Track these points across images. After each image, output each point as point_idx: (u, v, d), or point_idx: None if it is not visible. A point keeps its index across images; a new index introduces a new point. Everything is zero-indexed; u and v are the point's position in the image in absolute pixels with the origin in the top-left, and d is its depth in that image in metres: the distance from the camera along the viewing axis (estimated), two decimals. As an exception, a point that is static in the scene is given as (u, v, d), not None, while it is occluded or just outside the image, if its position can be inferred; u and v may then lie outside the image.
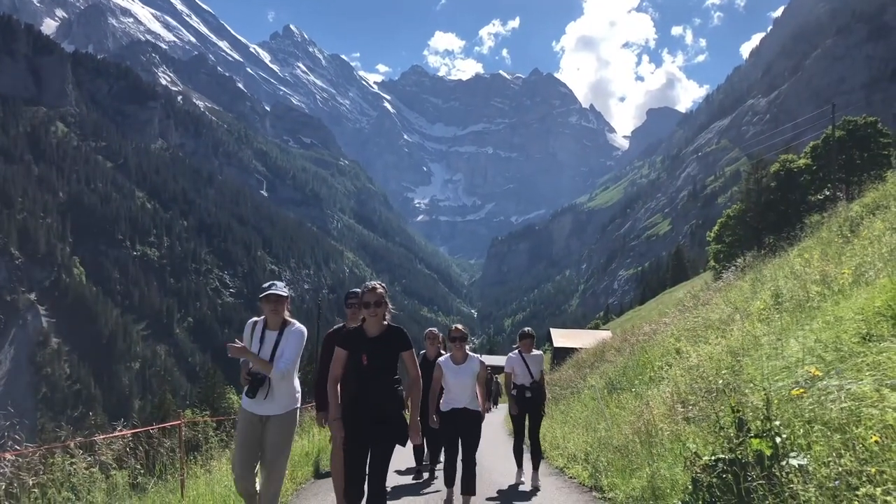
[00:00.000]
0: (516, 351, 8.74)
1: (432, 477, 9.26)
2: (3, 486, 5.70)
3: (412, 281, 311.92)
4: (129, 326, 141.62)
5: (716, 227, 46.20)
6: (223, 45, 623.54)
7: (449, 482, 6.74)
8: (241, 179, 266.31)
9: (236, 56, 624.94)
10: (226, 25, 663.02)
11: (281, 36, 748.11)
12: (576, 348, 31.57)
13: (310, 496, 7.96)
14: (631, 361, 15.41)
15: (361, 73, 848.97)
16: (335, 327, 6.43)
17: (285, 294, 5.18)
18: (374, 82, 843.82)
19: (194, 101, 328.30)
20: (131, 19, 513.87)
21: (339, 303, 6.69)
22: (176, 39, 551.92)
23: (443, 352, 8.64)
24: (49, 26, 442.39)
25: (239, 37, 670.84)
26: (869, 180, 18.67)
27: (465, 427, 6.70)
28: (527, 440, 8.77)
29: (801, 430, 4.08)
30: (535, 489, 8.11)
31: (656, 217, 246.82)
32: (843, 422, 3.85)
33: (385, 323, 4.77)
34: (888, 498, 3.06)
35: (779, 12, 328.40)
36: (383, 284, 4.83)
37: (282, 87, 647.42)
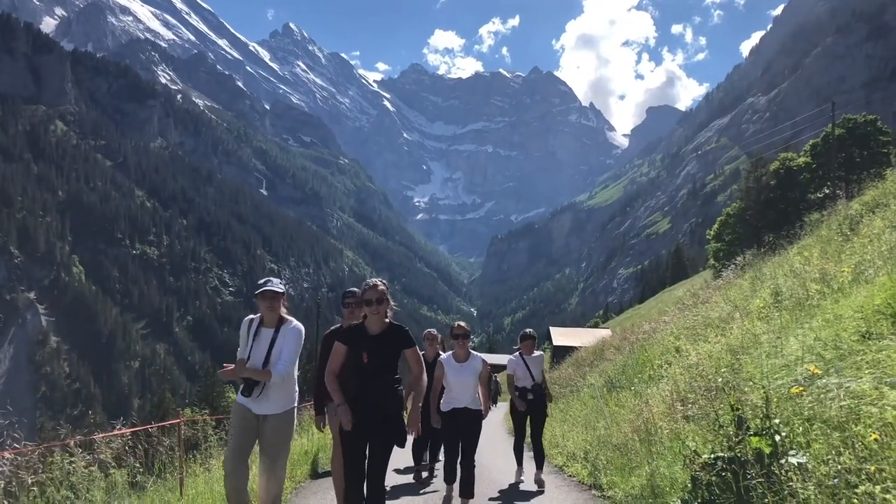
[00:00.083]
0: (517, 353, 8.70)
1: (432, 475, 9.24)
2: (3, 485, 5.70)
3: (412, 279, 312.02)
4: (128, 325, 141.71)
5: (715, 226, 46.23)
6: (222, 43, 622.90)
7: (448, 480, 6.64)
8: (241, 178, 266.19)
9: (236, 54, 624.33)
10: (225, 24, 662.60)
11: (280, 34, 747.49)
12: (575, 347, 31.59)
13: (309, 495, 7.96)
14: (630, 360, 15.41)
15: (361, 71, 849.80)
16: (333, 327, 6.37)
17: (281, 290, 5.09)
18: (374, 81, 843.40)
19: (194, 99, 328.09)
20: (130, 17, 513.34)
21: (339, 301, 6.61)
22: (175, 38, 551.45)
23: (441, 353, 8.61)
24: (48, 25, 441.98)
25: (238, 35, 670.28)
26: (868, 178, 18.67)
27: (466, 427, 6.58)
28: (528, 440, 8.75)
29: (801, 429, 4.08)
30: (540, 486, 8.05)
31: (656, 215, 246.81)
32: (842, 420, 3.84)
33: (387, 321, 4.69)
34: (887, 496, 3.06)
35: (779, 10, 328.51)
36: (384, 282, 4.76)
37: (281, 86, 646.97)
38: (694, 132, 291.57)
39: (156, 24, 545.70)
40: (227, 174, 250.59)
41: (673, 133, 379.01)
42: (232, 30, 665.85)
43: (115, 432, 7.27)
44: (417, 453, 9.24)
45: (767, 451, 3.87)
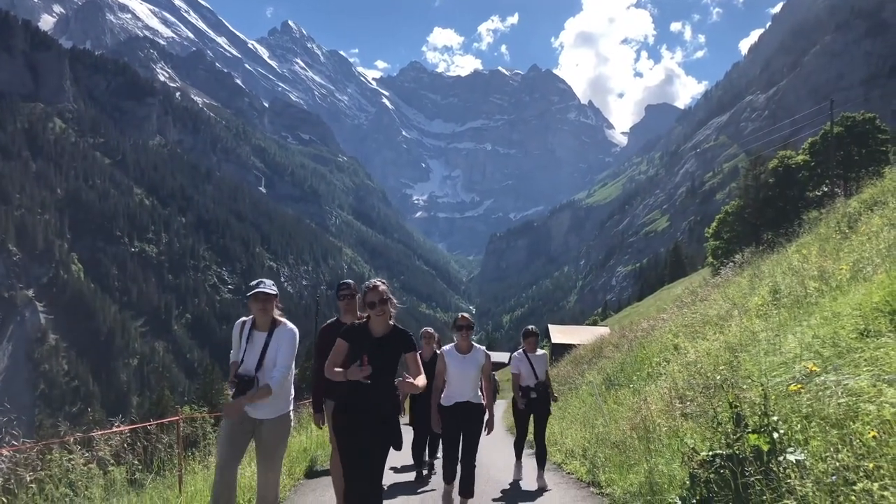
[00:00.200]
0: (521, 350, 8.50)
1: (431, 471, 9.21)
2: (1, 482, 5.70)
3: (411, 277, 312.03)
4: (127, 323, 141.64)
5: (714, 224, 46.13)
6: (221, 41, 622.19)
7: (448, 478, 6.40)
8: (240, 176, 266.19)
9: (234, 52, 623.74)
10: (224, 21, 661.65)
11: (279, 32, 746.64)
12: (574, 345, 31.56)
13: (308, 492, 7.96)
14: (629, 357, 15.42)
15: (360, 69, 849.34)
16: (330, 321, 6.31)
17: (274, 292, 4.98)
18: (373, 78, 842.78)
19: (192, 97, 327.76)
20: (129, 15, 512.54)
21: (338, 310, 6.53)
22: (174, 35, 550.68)
23: (438, 352, 8.54)
24: (46, 22, 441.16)
25: (237, 33, 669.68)
26: (867, 176, 18.72)
27: (468, 423, 6.30)
28: (530, 440, 8.66)
29: (799, 426, 4.08)
30: (542, 489, 7.92)
31: (654, 213, 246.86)
32: (840, 417, 3.85)
33: (391, 323, 4.57)
34: (885, 493, 3.07)
35: (777, 8, 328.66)
36: (384, 281, 4.63)
37: (280, 84, 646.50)
38: (693, 130, 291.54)
39: (154, 22, 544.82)
40: (225, 172, 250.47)
41: (672, 131, 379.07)
42: (231, 27, 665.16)
43: (114, 430, 7.27)
44: (417, 452, 9.15)
45: (766, 448, 3.88)
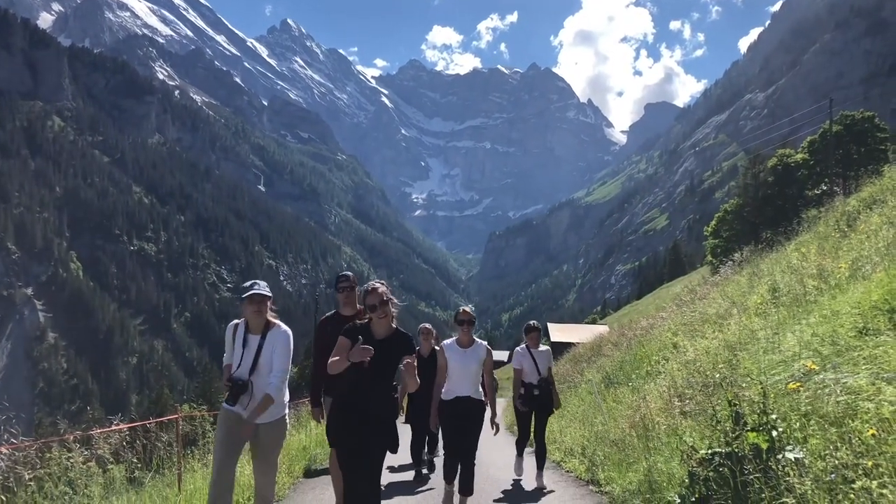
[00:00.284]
0: (524, 346, 8.30)
1: (431, 468, 9.13)
2: (0, 481, 5.69)
3: (410, 276, 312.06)
4: (126, 321, 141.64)
5: (713, 222, 46.17)
6: (220, 39, 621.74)
7: (449, 478, 6.30)
8: (239, 174, 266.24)
9: (233, 50, 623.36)
10: (223, 20, 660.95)
11: (278, 30, 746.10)
12: (573, 343, 31.58)
13: (307, 490, 7.96)
14: (628, 356, 15.42)
15: (359, 67, 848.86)
16: (328, 314, 6.25)
17: (269, 294, 4.84)
18: (372, 77, 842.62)
19: (191, 95, 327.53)
20: (128, 13, 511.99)
21: (337, 303, 6.45)
22: (173, 33, 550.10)
23: (437, 348, 8.48)
24: (45, 20, 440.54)
25: (236, 31, 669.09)
26: (866, 175, 18.72)
27: (468, 419, 6.19)
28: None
29: (798, 424, 4.09)
30: (541, 489, 7.84)
31: (654, 212, 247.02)
32: (839, 415, 3.85)
33: (393, 326, 4.48)
34: (884, 491, 3.07)
35: (777, 7, 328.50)
36: (383, 282, 4.52)
37: (279, 82, 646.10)
38: (692, 129, 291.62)
39: (153, 20, 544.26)
40: (224, 170, 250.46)
41: (671, 130, 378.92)
42: (230, 26, 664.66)
43: (113, 428, 7.27)
44: (416, 451, 9.05)
45: (765, 446, 3.88)
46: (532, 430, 8.49)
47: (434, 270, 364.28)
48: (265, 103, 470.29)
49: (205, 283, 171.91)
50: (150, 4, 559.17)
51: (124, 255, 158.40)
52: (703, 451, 4.41)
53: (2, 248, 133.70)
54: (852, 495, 3.18)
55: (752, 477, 3.82)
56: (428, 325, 9.28)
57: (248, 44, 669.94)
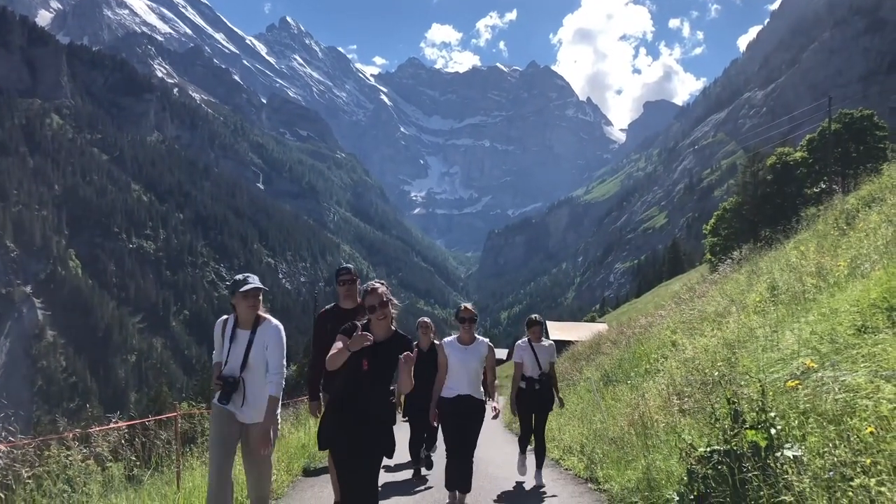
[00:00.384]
0: (525, 339, 8.14)
1: (429, 465, 9.03)
2: (-1, 478, 5.69)
3: (409, 274, 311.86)
4: (124, 319, 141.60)
5: (712, 220, 46.15)
6: (219, 37, 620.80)
7: (451, 484, 6.16)
8: (238, 172, 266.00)
9: (232, 48, 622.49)
10: (222, 17, 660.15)
11: (277, 28, 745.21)
12: (572, 341, 31.62)
13: (306, 487, 7.95)
14: (627, 354, 15.44)
15: (358, 65, 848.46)
16: (328, 307, 6.17)
17: (265, 288, 4.73)
18: (371, 75, 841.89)
19: (190, 93, 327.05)
20: (126, 11, 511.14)
21: (336, 297, 6.39)
22: (172, 31, 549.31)
23: (436, 342, 8.38)
24: (44, 18, 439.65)
25: (235, 29, 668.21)
26: (865, 173, 18.72)
27: (468, 418, 6.10)
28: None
29: (796, 422, 4.09)
30: (540, 488, 7.76)
31: (653, 210, 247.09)
32: (837, 413, 3.85)
33: (393, 328, 4.34)
34: (882, 489, 3.07)
35: (776, 5, 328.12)
36: (383, 282, 4.38)
37: (278, 80, 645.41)
38: (691, 127, 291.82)
39: (152, 18, 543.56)
40: (223, 168, 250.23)
41: (670, 128, 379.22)
42: (228, 23, 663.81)
43: (112, 426, 7.27)
44: (414, 449, 8.93)
45: (763, 444, 3.88)
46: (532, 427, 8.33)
47: (433, 268, 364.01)
48: (264, 101, 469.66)
49: (203, 280, 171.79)
50: (148, 2, 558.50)
51: (123, 252, 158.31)
52: (701, 449, 4.41)
53: (0, 245, 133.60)
54: (851, 493, 3.18)
55: (750, 475, 3.83)
56: (426, 319, 9.18)
57: (247, 42, 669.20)
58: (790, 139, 73.06)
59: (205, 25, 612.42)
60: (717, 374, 6.58)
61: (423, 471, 8.89)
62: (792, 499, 3.42)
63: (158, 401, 51.72)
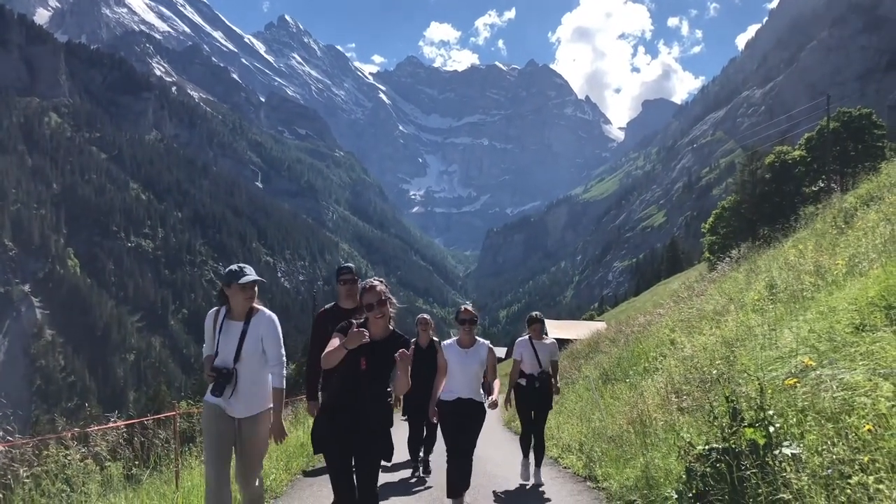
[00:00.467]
0: (525, 336, 8.10)
1: (427, 471, 8.97)
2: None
3: (407, 272, 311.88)
4: (123, 318, 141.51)
5: (711, 219, 46.26)
6: (217, 35, 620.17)
7: (453, 492, 6.00)
8: (236, 171, 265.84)
9: (231, 47, 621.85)
10: (220, 16, 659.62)
11: (276, 26, 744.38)
12: (570, 339, 31.61)
13: (305, 486, 7.94)
14: (625, 352, 15.43)
15: (357, 63, 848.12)
16: (327, 306, 6.13)
17: (262, 279, 4.59)
18: (370, 73, 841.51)
19: (189, 91, 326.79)
20: (125, 9, 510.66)
21: (336, 295, 6.35)
22: (170, 30, 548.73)
23: (435, 339, 8.38)
24: (42, 16, 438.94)
25: (233, 27, 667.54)
26: (863, 171, 18.72)
27: (468, 420, 6.02)
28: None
29: (795, 420, 4.09)
30: (538, 486, 7.73)
31: (651, 209, 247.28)
32: (836, 411, 3.86)
33: (391, 328, 4.26)
34: (880, 486, 3.08)
35: (774, 3, 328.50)
36: (382, 280, 4.31)
37: (277, 78, 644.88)
38: (689, 125, 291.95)
39: (151, 16, 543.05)
40: (222, 167, 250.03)
41: (668, 126, 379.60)
42: (227, 22, 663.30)
43: (111, 425, 7.27)
44: (413, 448, 8.88)
45: (762, 442, 3.88)
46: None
47: (432, 267, 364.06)
48: (262, 100, 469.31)
49: (202, 279, 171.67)
50: (147, 1, 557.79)
51: (122, 251, 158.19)
52: (700, 447, 4.41)
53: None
54: (849, 490, 3.19)
55: (749, 472, 3.83)
56: (426, 316, 9.08)
57: (246, 40, 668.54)
58: (789, 138, 73.13)
59: (203, 24, 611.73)
60: (715, 372, 6.59)
61: (422, 470, 8.86)
62: (790, 496, 3.42)
63: (157, 400, 51.67)
